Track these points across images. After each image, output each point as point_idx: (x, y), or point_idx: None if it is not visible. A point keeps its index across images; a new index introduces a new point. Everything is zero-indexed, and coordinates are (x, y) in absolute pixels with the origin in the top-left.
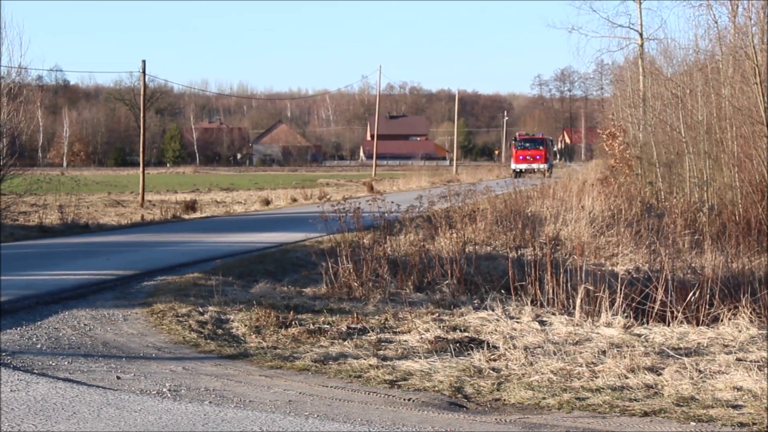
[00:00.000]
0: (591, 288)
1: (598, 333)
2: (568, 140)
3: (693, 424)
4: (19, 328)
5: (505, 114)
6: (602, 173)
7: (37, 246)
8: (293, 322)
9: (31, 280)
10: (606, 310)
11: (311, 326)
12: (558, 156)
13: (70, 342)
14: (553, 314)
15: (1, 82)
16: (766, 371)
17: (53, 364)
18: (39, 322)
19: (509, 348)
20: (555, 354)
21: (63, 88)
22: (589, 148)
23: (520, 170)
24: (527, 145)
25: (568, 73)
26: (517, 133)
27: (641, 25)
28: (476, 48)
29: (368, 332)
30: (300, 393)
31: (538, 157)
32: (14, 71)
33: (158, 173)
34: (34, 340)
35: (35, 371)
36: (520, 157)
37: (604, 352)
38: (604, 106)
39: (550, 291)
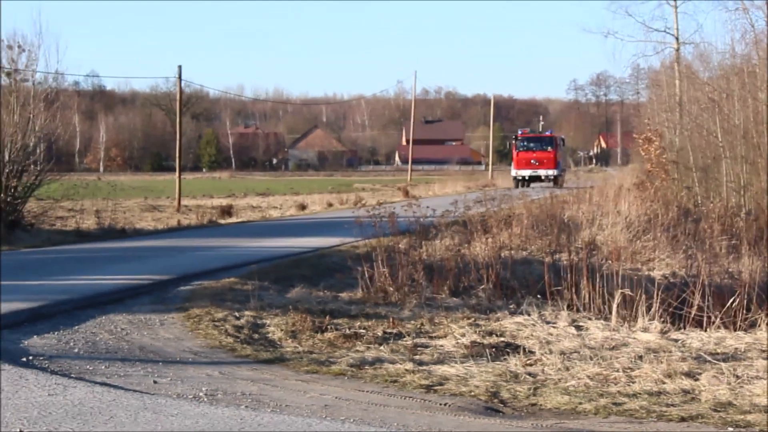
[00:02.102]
0: (627, 293)
1: (634, 338)
2: (604, 145)
3: (730, 429)
4: (56, 333)
5: (541, 118)
6: (638, 178)
7: (74, 251)
8: (329, 327)
9: (68, 285)
10: (643, 315)
11: (347, 331)
12: (594, 161)
13: (107, 346)
14: (590, 319)
15: (38, 87)
16: None
17: (90, 368)
18: (76, 327)
19: (545, 353)
20: (591, 359)
21: (99, 93)
22: (625, 152)
23: (523, 178)
24: (532, 145)
25: (604, 78)
26: (519, 131)
27: (677, 29)
28: (512, 53)
29: (404, 337)
30: (336, 397)
31: (545, 161)
32: (51, 77)
33: (194, 178)
34: (71, 344)
35: (73, 375)
36: (523, 161)
37: (640, 357)
38: (639, 110)
39: (587, 296)
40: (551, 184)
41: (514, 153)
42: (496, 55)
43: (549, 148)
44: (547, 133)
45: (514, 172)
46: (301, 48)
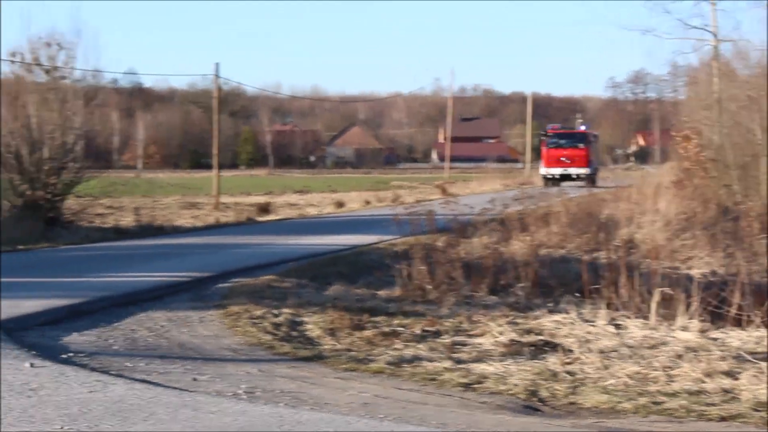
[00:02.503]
0: (667, 291)
1: (673, 337)
2: (642, 142)
3: None
4: (96, 330)
5: (579, 116)
6: (677, 176)
7: (113, 248)
8: (367, 325)
9: (107, 282)
10: (682, 314)
11: (385, 329)
12: (632, 159)
13: (146, 343)
14: (628, 318)
15: (76, 85)
16: None
17: (130, 365)
18: (116, 324)
19: (584, 351)
20: (631, 358)
21: (137, 91)
22: (663, 150)
23: (553, 177)
24: (563, 142)
25: (642, 75)
26: (548, 126)
27: (715, 26)
28: (549, 50)
29: (442, 335)
30: (375, 395)
31: (577, 158)
32: (89, 74)
33: (232, 175)
34: (111, 341)
35: (112, 372)
36: (553, 159)
37: (680, 356)
38: (677, 108)
39: (625, 294)
40: (583, 183)
41: (544, 150)
42: (534, 52)
43: (581, 145)
44: (579, 129)
45: (543, 170)
46: (338, 45)
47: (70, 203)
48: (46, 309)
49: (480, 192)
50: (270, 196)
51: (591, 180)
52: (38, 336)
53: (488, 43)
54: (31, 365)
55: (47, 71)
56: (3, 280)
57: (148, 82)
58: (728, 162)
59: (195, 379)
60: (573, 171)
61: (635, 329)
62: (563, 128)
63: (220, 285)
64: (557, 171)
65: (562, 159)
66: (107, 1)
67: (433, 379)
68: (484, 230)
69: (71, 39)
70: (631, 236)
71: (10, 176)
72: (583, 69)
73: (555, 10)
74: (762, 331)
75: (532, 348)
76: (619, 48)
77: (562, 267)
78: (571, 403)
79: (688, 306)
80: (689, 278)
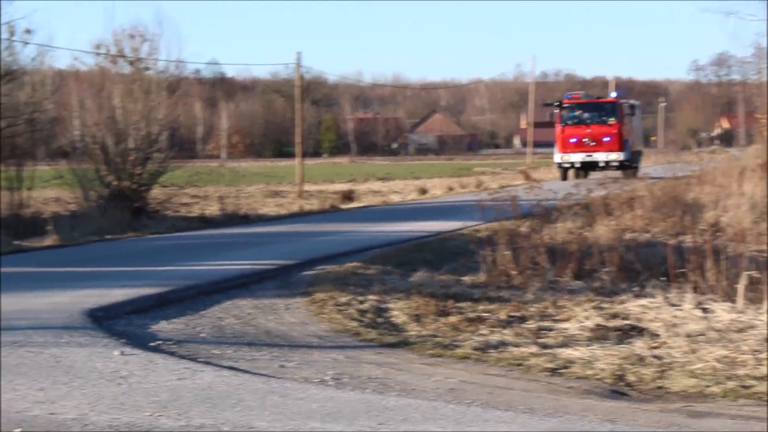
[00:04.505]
0: (754, 274)
1: (761, 320)
2: (726, 125)
3: None
4: (183, 318)
5: (662, 99)
6: (762, 158)
7: (198, 237)
8: (452, 311)
9: (194, 270)
10: None
11: (470, 314)
12: (716, 142)
13: (233, 331)
14: (715, 301)
15: (160, 76)
16: None
17: (218, 352)
18: (203, 312)
19: (671, 335)
20: (718, 341)
21: (220, 81)
22: (748, 132)
23: (571, 165)
24: (586, 116)
25: (726, 58)
26: (566, 95)
27: None
28: (631, 34)
29: (528, 320)
30: (461, 381)
31: (606, 138)
32: (172, 65)
33: (315, 164)
34: (198, 329)
35: (201, 360)
36: (572, 140)
37: None
38: (762, 90)
39: (712, 278)
40: (618, 173)
41: (558, 129)
42: (616, 37)
43: (611, 120)
44: (610, 98)
45: (557, 156)
46: (420, 33)
47: (156, 193)
48: (135, 298)
49: None
50: (353, 183)
51: (630, 169)
52: (127, 324)
53: (570, 28)
54: (121, 353)
55: (131, 63)
56: (91, 269)
57: (230, 72)
58: None
59: (282, 366)
60: (601, 156)
61: (722, 313)
62: (587, 97)
63: (306, 272)
64: (578, 157)
65: (584, 141)
66: None
67: (520, 365)
68: (569, 215)
69: (154, 31)
70: (716, 219)
71: (96, 167)
72: (666, 52)
73: None
74: None
75: (618, 332)
76: (702, 30)
77: (647, 251)
78: (659, 388)
79: None
80: None
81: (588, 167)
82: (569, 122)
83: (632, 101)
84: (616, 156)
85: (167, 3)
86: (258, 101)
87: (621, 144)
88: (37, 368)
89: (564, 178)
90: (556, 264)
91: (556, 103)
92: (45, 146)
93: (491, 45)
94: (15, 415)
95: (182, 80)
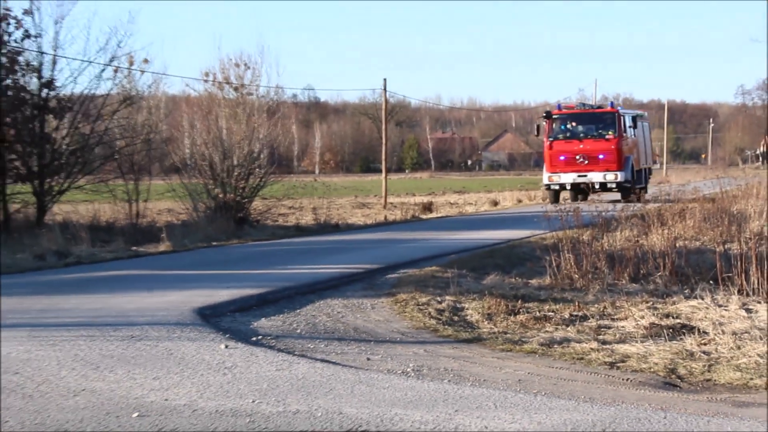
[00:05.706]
0: None
1: None
2: None
3: None
4: (281, 315)
5: (711, 121)
6: None
7: (294, 243)
8: (521, 310)
9: (290, 273)
10: None
11: (537, 314)
12: (761, 159)
13: (325, 327)
14: (759, 303)
15: (261, 100)
16: None
17: (311, 346)
18: (298, 310)
19: (718, 333)
20: (761, 339)
21: (314, 104)
22: None
23: (561, 187)
24: (579, 129)
25: None
26: (557, 104)
27: None
28: (684, 61)
29: (588, 319)
30: (528, 373)
31: (602, 156)
32: (272, 91)
33: (398, 178)
34: (294, 326)
35: (296, 353)
36: (561, 158)
37: None
38: None
39: (756, 281)
40: (624, 197)
41: (546, 144)
42: (670, 63)
43: (609, 133)
44: (608, 107)
45: (545, 176)
46: (493, 60)
47: (257, 204)
48: (238, 297)
49: None
50: (432, 196)
51: (631, 192)
52: (231, 321)
53: (629, 54)
54: (226, 347)
55: (236, 89)
56: (200, 272)
57: (323, 97)
58: None
59: (369, 359)
60: (596, 177)
61: (765, 313)
62: (583, 107)
63: (390, 275)
64: (568, 178)
65: (577, 158)
66: (288, 24)
67: (581, 359)
68: (626, 225)
69: (256, 59)
70: (760, 229)
71: (204, 181)
72: (715, 78)
73: (688, 24)
74: None
75: (670, 330)
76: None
77: (697, 257)
78: (707, 380)
79: None
80: None
81: (579, 190)
82: (559, 136)
83: (637, 111)
84: (613, 176)
85: (268, 34)
86: (348, 122)
87: (620, 162)
88: (152, 359)
89: (555, 201)
90: (615, 268)
91: (544, 113)
92: (159, 163)
93: (557, 70)
94: (133, 401)
95: (281, 104)
